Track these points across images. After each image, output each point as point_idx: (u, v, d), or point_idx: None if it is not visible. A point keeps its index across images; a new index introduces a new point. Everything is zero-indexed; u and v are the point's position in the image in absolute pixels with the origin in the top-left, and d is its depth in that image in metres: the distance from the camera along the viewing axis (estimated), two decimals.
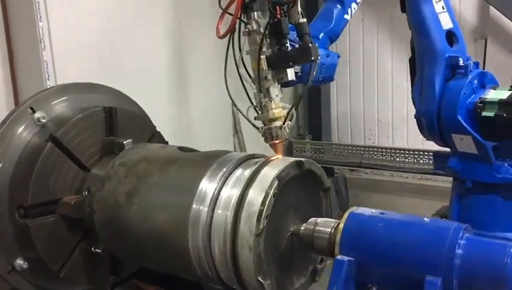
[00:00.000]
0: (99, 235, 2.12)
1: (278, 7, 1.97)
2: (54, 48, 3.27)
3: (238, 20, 2.03)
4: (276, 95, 2.03)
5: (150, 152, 2.21)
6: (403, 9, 3.04)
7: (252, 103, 2.11)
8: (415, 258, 1.54)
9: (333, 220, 1.84)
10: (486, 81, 2.87)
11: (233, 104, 2.15)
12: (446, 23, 2.91)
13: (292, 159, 1.92)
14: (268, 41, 2.01)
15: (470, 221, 2.88)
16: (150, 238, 1.97)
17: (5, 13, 3.28)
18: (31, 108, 2.16)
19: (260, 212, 1.71)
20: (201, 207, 1.88)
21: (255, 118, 2.10)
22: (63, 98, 2.28)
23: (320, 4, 3.27)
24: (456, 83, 2.84)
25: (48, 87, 3.10)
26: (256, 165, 1.91)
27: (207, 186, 1.91)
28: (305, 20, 2.02)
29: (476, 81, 2.85)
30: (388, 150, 4.98)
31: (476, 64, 2.92)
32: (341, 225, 1.72)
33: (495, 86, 2.89)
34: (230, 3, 2.07)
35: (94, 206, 2.09)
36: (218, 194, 1.88)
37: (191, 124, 4.30)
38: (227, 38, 2.09)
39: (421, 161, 4.83)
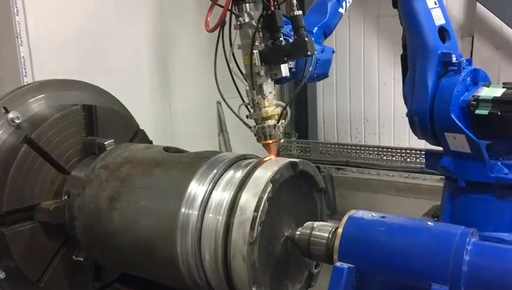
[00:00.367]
0: (81, 242, 1.99)
1: None
2: (31, 44, 3.12)
3: (228, 13, 1.91)
4: (270, 92, 1.92)
5: (133, 153, 2.09)
6: (395, 5, 2.96)
7: (243, 101, 2.00)
8: (419, 266, 1.46)
9: (330, 224, 1.75)
10: (479, 78, 2.82)
11: (225, 101, 2.03)
12: (438, 19, 2.85)
13: (286, 160, 1.83)
14: (261, 35, 1.90)
15: (462, 221, 2.86)
16: (136, 245, 1.85)
17: None
18: (4, 108, 2.02)
19: (254, 218, 1.61)
20: (190, 211, 1.77)
21: (247, 117, 1.99)
22: (39, 96, 2.14)
23: None
24: (449, 81, 2.78)
25: (25, 84, 2.95)
26: (249, 167, 1.81)
27: (196, 189, 1.81)
28: (300, 12, 1.92)
29: (468, 79, 2.79)
30: (375, 149, 4.95)
31: (469, 61, 2.86)
32: (340, 230, 1.63)
33: (488, 83, 2.84)
34: None
35: (74, 212, 1.97)
36: (208, 197, 1.77)
37: (175, 123, 4.18)
38: (216, 32, 1.97)
39: (408, 160, 4.81)
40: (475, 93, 2.73)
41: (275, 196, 1.71)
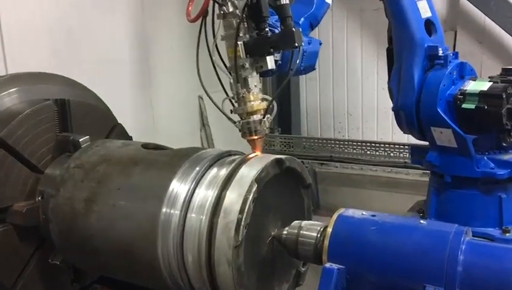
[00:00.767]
0: (57, 245, 1.89)
1: None
2: (3, 34, 2.96)
3: (211, 2, 1.81)
4: (255, 86, 1.84)
5: (110, 151, 1.99)
6: None
7: (227, 95, 1.91)
8: (412, 266, 1.40)
9: (319, 223, 1.68)
10: (465, 72, 2.78)
11: (208, 95, 1.94)
12: (425, 11, 2.80)
13: (271, 157, 1.75)
14: (246, 26, 1.81)
15: (448, 216, 2.85)
16: (115, 249, 1.76)
17: None
18: None
19: (239, 221, 1.53)
20: (172, 211, 1.69)
21: (231, 111, 1.90)
22: (10, 91, 2.03)
23: None
24: (435, 74, 2.73)
25: None
26: (233, 165, 1.74)
27: (178, 187, 1.72)
28: (287, 1, 1.83)
29: (455, 72, 2.75)
30: (359, 143, 4.92)
31: (455, 54, 2.82)
32: (329, 229, 1.56)
33: (474, 77, 2.80)
34: None
35: (49, 215, 1.86)
36: (191, 196, 1.69)
37: (156, 118, 4.07)
38: (198, 22, 1.88)
39: (392, 154, 4.79)
40: (461, 87, 2.70)
41: (260, 195, 1.63)
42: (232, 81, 1.84)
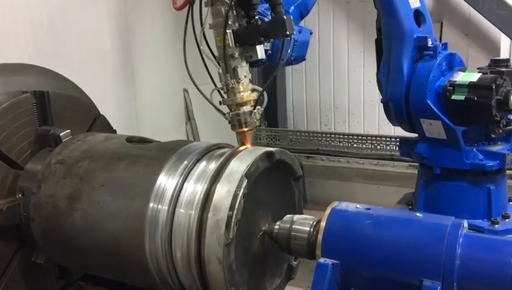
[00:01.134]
0: (40, 244, 1.81)
1: None
2: None
3: None
4: (245, 76, 1.77)
5: (92, 146, 1.91)
6: None
7: (215, 85, 1.84)
8: (409, 260, 1.36)
9: (311, 217, 1.64)
10: (454, 63, 2.76)
11: (196, 87, 1.86)
12: (414, 2, 2.77)
13: (261, 151, 1.70)
14: (235, 14, 1.74)
15: (437, 208, 2.83)
16: (101, 247, 1.69)
17: None
18: None
19: (229, 218, 1.48)
20: (159, 206, 1.63)
21: (220, 103, 1.84)
22: None
23: None
24: (424, 65, 2.71)
25: None
26: (222, 158, 1.68)
27: (166, 182, 1.66)
28: None
29: (444, 63, 2.73)
30: (346, 136, 4.90)
31: (444, 45, 2.80)
32: (323, 223, 1.51)
33: (463, 68, 2.79)
34: None
35: (31, 213, 1.78)
36: (179, 190, 1.63)
37: (140, 110, 3.97)
38: (184, 11, 1.80)
39: (378, 147, 4.79)
40: (451, 79, 2.68)
41: (250, 189, 1.58)
42: (221, 71, 1.77)
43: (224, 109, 1.84)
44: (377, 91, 4.84)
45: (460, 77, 2.67)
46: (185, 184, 1.64)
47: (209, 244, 1.49)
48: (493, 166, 2.68)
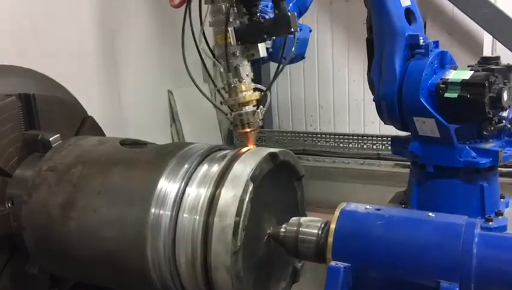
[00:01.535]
0: (33, 254, 1.72)
1: None
2: None
3: None
4: (247, 75, 1.72)
5: (85, 151, 1.83)
6: None
7: (214, 85, 1.78)
8: (424, 262, 1.33)
9: (318, 219, 1.60)
10: (446, 61, 2.75)
11: (198, 87, 1.80)
12: (404, 0, 2.75)
13: (265, 152, 1.65)
14: (236, 11, 1.68)
15: (430, 206, 2.82)
16: (99, 257, 1.62)
17: None
18: None
19: (236, 224, 1.42)
20: (161, 211, 1.57)
21: (221, 103, 1.78)
22: None
23: None
24: (417, 64, 2.69)
25: None
26: (225, 161, 1.62)
27: (167, 186, 1.60)
28: None
29: (436, 62, 2.72)
30: (332, 136, 4.90)
31: (436, 43, 2.79)
32: (333, 226, 1.47)
33: (455, 66, 2.78)
34: None
35: (22, 222, 1.69)
36: (182, 194, 1.57)
37: (124, 111, 3.88)
38: (183, 8, 1.74)
39: (365, 146, 4.80)
40: (443, 76, 2.67)
41: (255, 192, 1.53)
42: (222, 70, 1.71)
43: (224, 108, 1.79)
44: (362, 90, 4.87)
45: (453, 75, 2.66)
46: (187, 188, 1.58)
47: (216, 252, 1.43)
48: (486, 163, 2.68)
